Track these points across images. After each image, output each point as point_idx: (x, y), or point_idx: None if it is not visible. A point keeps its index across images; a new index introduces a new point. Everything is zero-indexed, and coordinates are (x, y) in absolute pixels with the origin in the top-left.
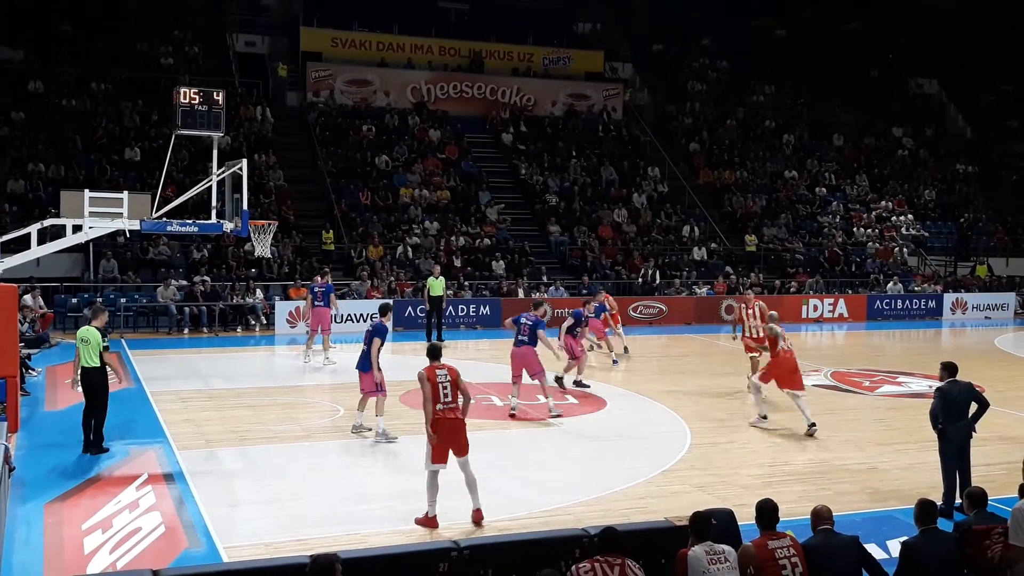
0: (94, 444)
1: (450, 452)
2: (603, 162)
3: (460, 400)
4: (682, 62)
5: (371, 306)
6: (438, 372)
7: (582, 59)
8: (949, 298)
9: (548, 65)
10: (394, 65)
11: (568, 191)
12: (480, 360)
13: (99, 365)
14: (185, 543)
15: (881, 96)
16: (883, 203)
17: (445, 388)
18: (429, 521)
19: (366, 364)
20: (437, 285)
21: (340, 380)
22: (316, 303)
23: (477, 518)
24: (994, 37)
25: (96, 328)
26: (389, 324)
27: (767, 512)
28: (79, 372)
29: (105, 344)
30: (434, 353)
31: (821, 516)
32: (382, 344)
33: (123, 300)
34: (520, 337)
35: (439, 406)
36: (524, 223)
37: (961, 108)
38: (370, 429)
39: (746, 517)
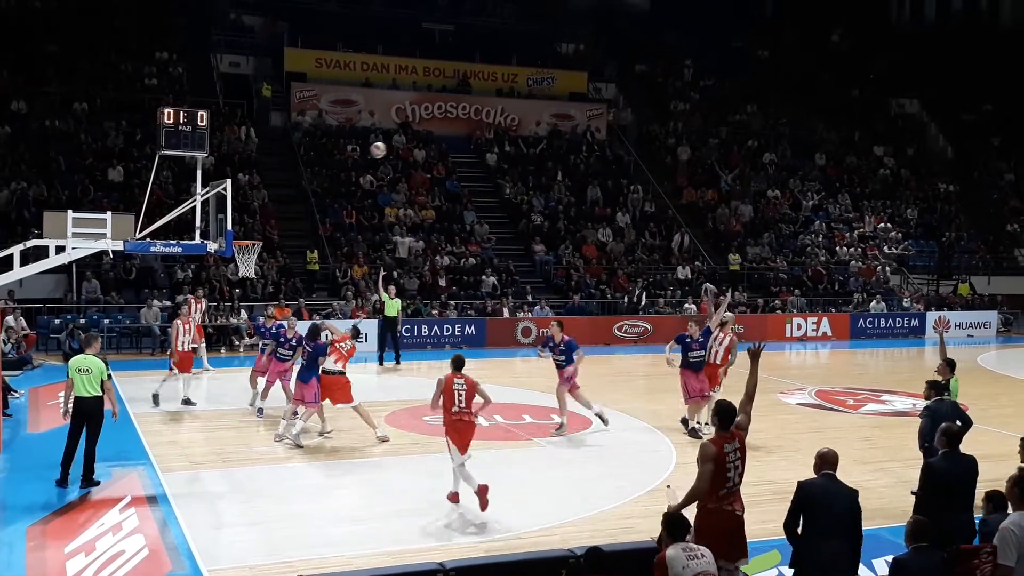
0: (84, 477)
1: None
2: (587, 181)
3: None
4: (665, 82)
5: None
6: (455, 381)
7: (566, 79)
8: (932, 316)
9: (532, 85)
10: (379, 85)
11: (553, 210)
12: None
13: (100, 395)
14: (169, 566)
15: (863, 115)
16: (866, 221)
17: (460, 396)
18: (483, 490)
19: (307, 376)
20: (392, 306)
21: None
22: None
23: (453, 499)
24: (975, 56)
25: (95, 356)
26: (325, 343)
27: (726, 411)
28: (71, 401)
29: (108, 373)
30: (457, 365)
31: (827, 460)
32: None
33: (106, 321)
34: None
35: (454, 408)
36: (509, 242)
37: (942, 127)
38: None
39: None
